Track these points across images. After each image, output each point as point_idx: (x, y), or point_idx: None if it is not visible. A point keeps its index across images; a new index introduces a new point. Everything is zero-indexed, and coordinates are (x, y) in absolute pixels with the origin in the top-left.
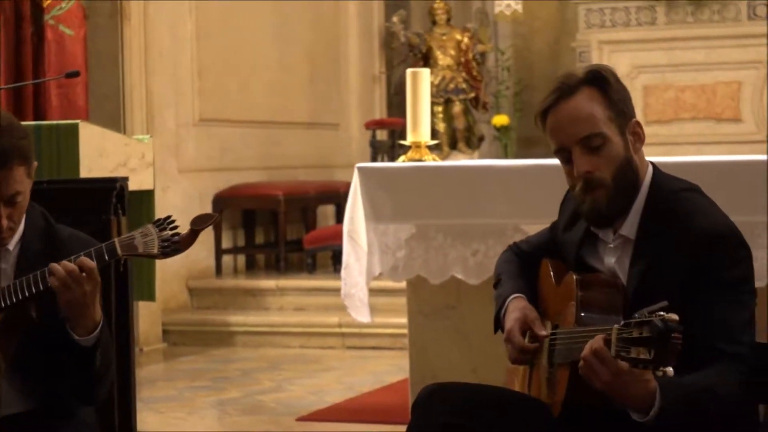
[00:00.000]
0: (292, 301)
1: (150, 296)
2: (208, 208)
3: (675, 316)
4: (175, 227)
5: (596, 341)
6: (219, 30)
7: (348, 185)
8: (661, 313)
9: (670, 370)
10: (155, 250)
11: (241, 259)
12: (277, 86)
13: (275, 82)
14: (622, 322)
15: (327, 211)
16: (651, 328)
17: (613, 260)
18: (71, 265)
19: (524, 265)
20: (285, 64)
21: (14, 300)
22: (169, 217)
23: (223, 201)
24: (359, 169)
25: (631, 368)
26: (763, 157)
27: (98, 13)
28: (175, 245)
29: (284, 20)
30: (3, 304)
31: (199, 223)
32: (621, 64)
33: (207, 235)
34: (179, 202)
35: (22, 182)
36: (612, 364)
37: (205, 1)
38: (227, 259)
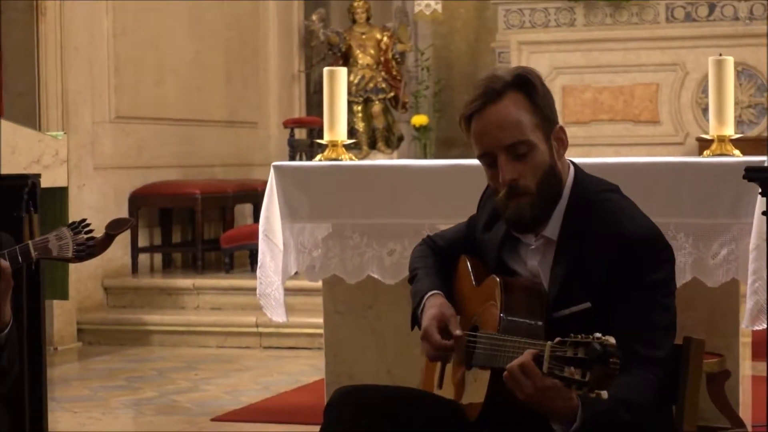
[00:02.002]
0: (209, 300)
1: (63, 295)
2: (124, 206)
3: (612, 340)
4: (90, 231)
5: (526, 356)
6: (136, 26)
7: (266, 184)
8: (599, 335)
9: (604, 393)
10: (70, 254)
11: (158, 257)
12: (195, 84)
13: (193, 80)
14: (557, 339)
15: (245, 209)
16: (588, 351)
17: (535, 262)
18: None
19: (440, 260)
20: (203, 62)
21: None
22: (84, 220)
23: (139, 199)
24: (275, 167)
25: (557, 385)
26: (680, 159)
27: (13, 8)
28: (90, 249)
29: (202, 17)
30: None
31: (114, 228)
32: (540, 64)
33: (123, 234)
34: (95, 200)
35: None
36: (538, 379)
37: None
38: (143, 257)
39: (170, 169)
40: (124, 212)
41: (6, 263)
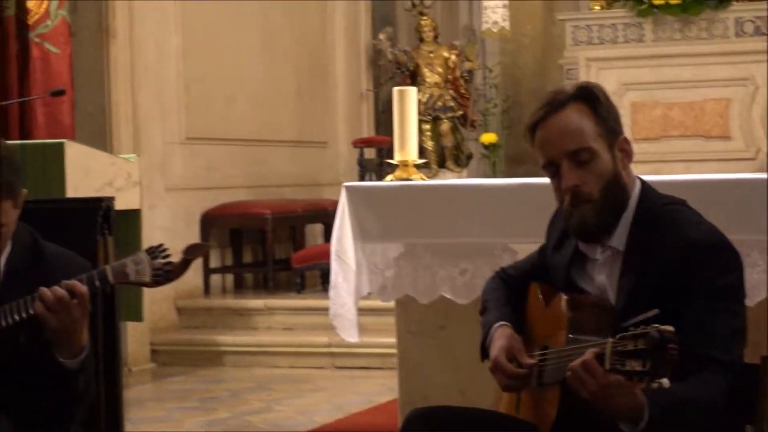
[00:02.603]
0: (281, 320)
1: (137, 317)
2: (194, 227)
3: (670, 328)
4: (167, 256)
5: (587, 354)
6: (205, 46)
7: (336, 204)
8: (656, 325)
9: (665, 381)
10: (147, 279)
11: (229, 278)
12: (264, 104)
13: (262, 100)
14: (618, 336)
15: (315, 229)
16: (647, 340)
17: (603, 277)
18: (61, 291)
19: (511, 291)
20: (272, 81)
21: (3, 325)
22: (161, 245)
23: (210, 220)
24: (346, 188)
25: (620, 380)
26: (752, 175)
27: (83, 30)
28: (167, 274)
29: (271, 36)
30: None
31: (191, 253)
32: (609, 81)
33: None
34: (166, 220)
35: (7, 214)
36: (600, 376)
37: (191, 17)
38: (215, 278)
39: (240, 189)
40: (194, 233)
41: (83, 288)
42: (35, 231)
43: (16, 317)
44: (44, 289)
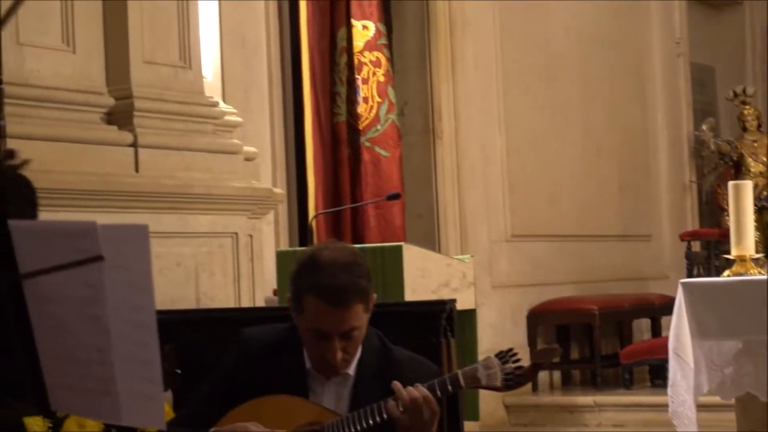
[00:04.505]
0: (611, 417)
1: (474, 416)
2: (521, 324)
3: None
4: (518, 360)
5: None
6: (528, 145)
7: (662, 297)
8: None
9: None
10: (498, 384)
11: (557, 374)
12: (587, 199)
13: (585, 195)
14: None
15: (641, 324)
16: None
17: None
18: (416, 394)
19: None
20: (594, 177)
21: (359, 429)
22: (511, 349)
23: (537, 316)
24: (683, 285)
25: None
26: None
27: (411, 133)
28: (518, 378)
29: (592, 132)
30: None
31: (541, 357)
32: None
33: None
34: (493, 318)
35: (359, 318)
36: None
37: (514, 118)
38: (543, 375)
39: (565, 285)
40: (521, 330)
41: (429, 395)
42: (384, 336)
43: (371, 422)
44: (401, 391)
